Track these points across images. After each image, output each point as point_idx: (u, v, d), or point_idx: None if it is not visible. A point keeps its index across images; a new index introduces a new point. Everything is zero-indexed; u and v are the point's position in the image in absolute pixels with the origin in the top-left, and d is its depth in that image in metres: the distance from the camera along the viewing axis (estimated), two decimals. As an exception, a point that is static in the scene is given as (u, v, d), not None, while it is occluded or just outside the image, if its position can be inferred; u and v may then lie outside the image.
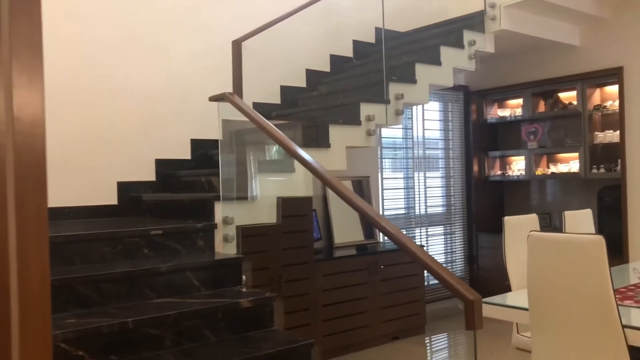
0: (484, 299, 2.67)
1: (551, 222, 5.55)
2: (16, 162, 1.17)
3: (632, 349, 2.06)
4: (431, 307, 5.31)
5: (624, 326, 2.03)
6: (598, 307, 2.04)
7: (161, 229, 2.82)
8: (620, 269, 3.18)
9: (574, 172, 5.24)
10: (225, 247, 3.05)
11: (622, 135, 4.85)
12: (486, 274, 5.85)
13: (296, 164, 3.37)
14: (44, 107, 1.19)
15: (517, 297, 2.70)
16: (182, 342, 2.32)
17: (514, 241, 3.01)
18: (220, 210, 3.08)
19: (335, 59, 4.88)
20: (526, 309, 2.34)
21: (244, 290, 2.76)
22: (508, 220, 3.04)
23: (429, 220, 5.84)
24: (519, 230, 3.03)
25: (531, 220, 3.12)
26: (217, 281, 2.74)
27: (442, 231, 5.97)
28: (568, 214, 3.38)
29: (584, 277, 2.05)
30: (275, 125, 2.78)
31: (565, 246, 2.10)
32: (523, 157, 5.68)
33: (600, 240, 2.01)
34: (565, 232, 3.13)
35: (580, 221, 3.44)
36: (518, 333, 2.94)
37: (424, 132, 5.79)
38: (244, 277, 2.90)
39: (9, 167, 1.20)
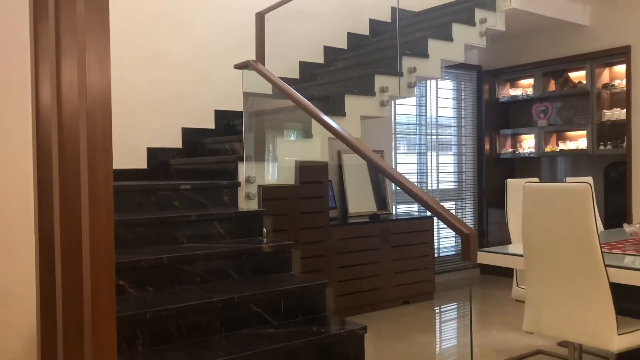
0: (487, 249, 2.92)
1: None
2: (89, 115, 1.44)
3: (613, 286, 2.28)
4: (440, 278, 5.55)
5: (606, 265, 2.26)
6: (583, 248, 2.26)
7: (190, 184, 3.10)
8: (620, 231, 3.40)
9: (581, 149, 5.42)
10: (247, 204, 3.32)
11: (628, 113, 5.02)
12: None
13: (313, 130, 3.62)
14: (109, 70, 1.47)
15: (515, 248, 2.93)
16: (209, 279, 2.60)
17: (515, 201, 3.23)
18: (243, 171, 3.35)
19: (352, 37, 5.10)
20: (522, 255, 2.57)
21: (265, 240, 3.02)
22: (510, 182, 3.26)
23: (440, 195, 6.06)
24: (520, 191, 3.24)
25: (532, 181, 3.33)
26: (241, 231, 3.01)
27: (454, 206, 6.19)
28: (569, 180, 3.59)
29: (572, 221, 2.28)
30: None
31: (555, 194, 2.33)
32: (533, 135, 5.87)
33: (587, 187, 2.23)
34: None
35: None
36: (517, 286, 3.17)
37: (437, 111, 5.99)
38: (264, 229, 3.16)
39: (82, 120, 1.47)
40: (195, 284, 2.56)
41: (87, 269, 1.46)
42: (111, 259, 1.45)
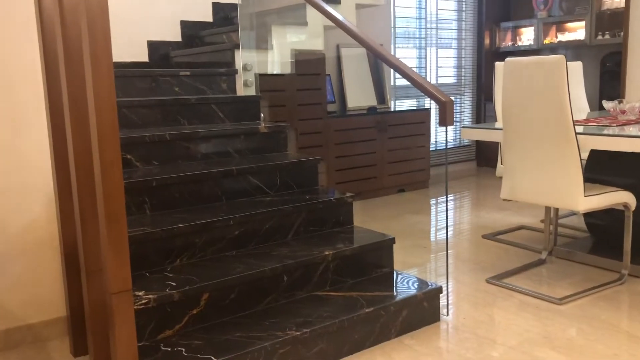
0: (471, 125, 3.08)
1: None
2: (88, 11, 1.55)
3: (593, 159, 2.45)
4: (437, 170, 5.77)
5: (577, 133, 2.42)
6: (556, 117, 2.42)
7: (189, 70, 3.23)
8: (604, 112, 3.53)
9: (579, 40, 5.43)
10: (245, 91, 3.46)
11: (627, 0, 4.98)
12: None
13: (308, 18, 3.68)
14: None
15: (499, 124, 3.08)
16: (210, 156, 2.79)
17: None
18: (240, 59, 3.46)
19: None
20: (501, 129, 2.73)
21: (262, 124, 3.19)
22: (498, 64, 3.36)
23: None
24: (508, 74, 3.35)
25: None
26: (239, 115, 3.17)
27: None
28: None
29: (546, 91, 2.41)
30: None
31: (532, 66, 2.45)
32: (532, 28, 5.86)
33: (562, 58, 2.35)
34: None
35: (570, 72, 3.74)
36: (502, 164, 3.36)
37: (437, 5, 5.95)
38: (262, 114, 3.32)
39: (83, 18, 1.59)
40: (197, 160, 2.76)
41: (94, 127, 1.63)
42: (114, 115, 1.62)
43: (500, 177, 3.40)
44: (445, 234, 3.73)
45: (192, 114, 3.01)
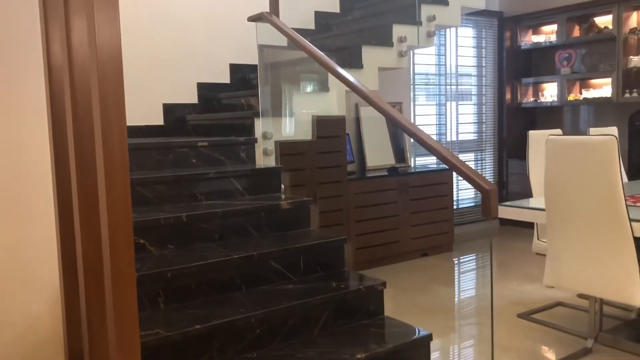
0: (509, 203, 2.88)
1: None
2: (99, 73, 1.40)
3: (638, 241, 2.24)
4: (459, 229, 5.55)
5: (631, 220, 2.21)
6: (608, 202, 2.22)
7: (207, 141, 3.08)
8: (642, 183, 3.33)
9: (606, 97, 5.27)
10: (265, 160, 3.30)
11: (656, 59, 4.84)
12: (515, 199, 6.00)
13: (329, 83, 3.55)
14: (118, 29, 1.42)
15: (536, 201, 2.88)
16: (228, 236, 2.61)
17: (537, 153, 3.16)
18: (259, 127, 3.31)
19: (369, -15, 4.94)
20: (543, 209, 2.53)
21: (282, 197, 3.01)
22: (532, 134, 3.19)
23: (460, 147, 5.98)
24: (542, 143, 3.17)
25: (555, 134, 3.25)
26: (259, 188, 3.00)
27: (473, 157, 6.12)
28: (593, 131, 3.50)
29: (596, 174, 2.22)
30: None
31: (579, 147, 2.26)
32: (555, 84, 5.71)
33: (612, 140, 2.17)
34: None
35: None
36: (538, 239, 3.15)
37: (457, 60, 5.84)
38: (282, 185, 3.15)
39: (94, 78, 1.43)
40: (215, 242, 2.57)
41: (105, 228, 1.45)
42: (129, 217, 1.44)
43: (537, 254, 3.18)
44: (486, 318, 3.49)
45: (210, 189, 2.84)
